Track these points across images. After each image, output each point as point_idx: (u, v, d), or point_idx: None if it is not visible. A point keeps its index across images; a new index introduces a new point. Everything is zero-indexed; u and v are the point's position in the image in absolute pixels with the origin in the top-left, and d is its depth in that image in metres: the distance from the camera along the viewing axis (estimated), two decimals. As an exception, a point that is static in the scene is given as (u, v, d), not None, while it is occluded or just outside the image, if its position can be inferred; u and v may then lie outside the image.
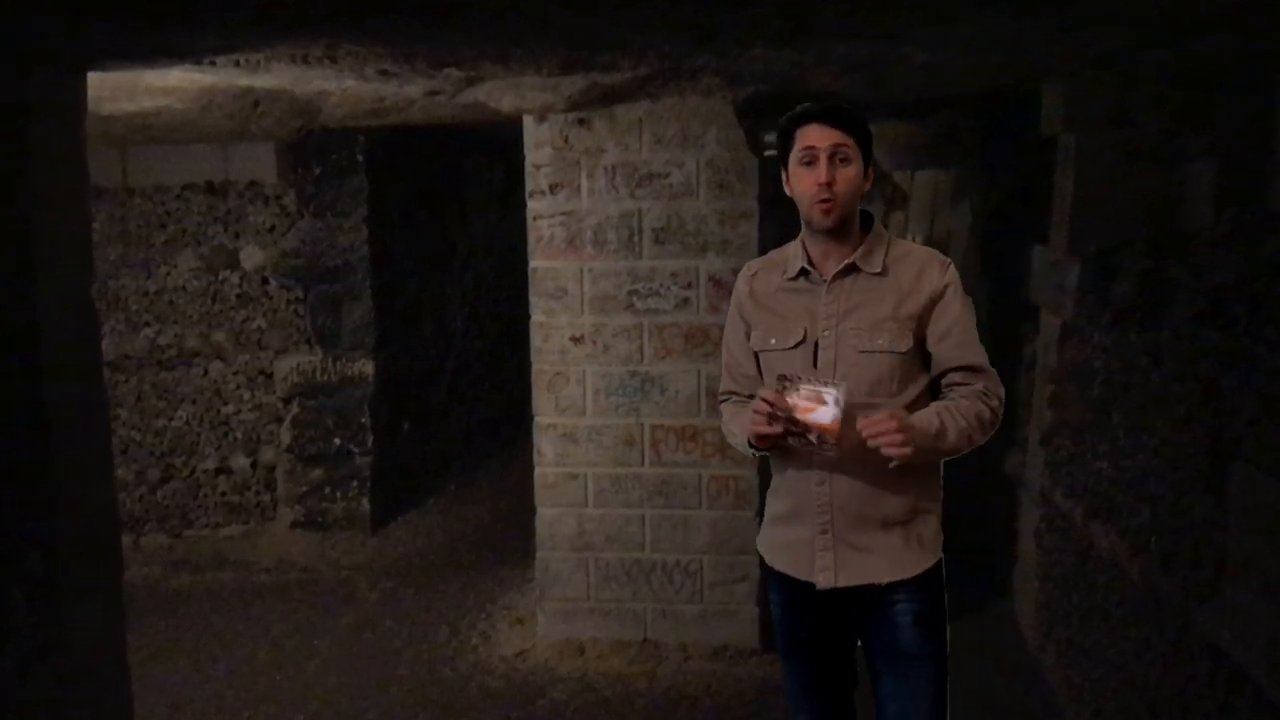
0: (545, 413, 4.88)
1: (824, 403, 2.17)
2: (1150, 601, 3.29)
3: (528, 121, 4.74)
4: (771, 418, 2.20)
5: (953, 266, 2.35)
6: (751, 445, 2.34)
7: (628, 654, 4.83)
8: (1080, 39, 3.53)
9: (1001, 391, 2.31)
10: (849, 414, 2.21)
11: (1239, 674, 2.68)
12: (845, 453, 2.24)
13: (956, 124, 6.38)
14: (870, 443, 2.15)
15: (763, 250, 4.67)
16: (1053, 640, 4.38)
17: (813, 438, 2.20)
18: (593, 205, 4.74)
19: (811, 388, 2.18)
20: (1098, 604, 3.80)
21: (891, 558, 2.30)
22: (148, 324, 6.36)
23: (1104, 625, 3.73)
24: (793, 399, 2.19)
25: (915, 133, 6.79)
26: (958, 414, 2.24)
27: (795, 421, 2.18)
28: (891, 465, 2.20)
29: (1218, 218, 3.89)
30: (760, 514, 4.72)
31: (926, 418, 2.23)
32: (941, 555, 2.37)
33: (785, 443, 2.26)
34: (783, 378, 2.23)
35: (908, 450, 2.14)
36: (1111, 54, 3.82)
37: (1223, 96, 4.10)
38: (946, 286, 2.31)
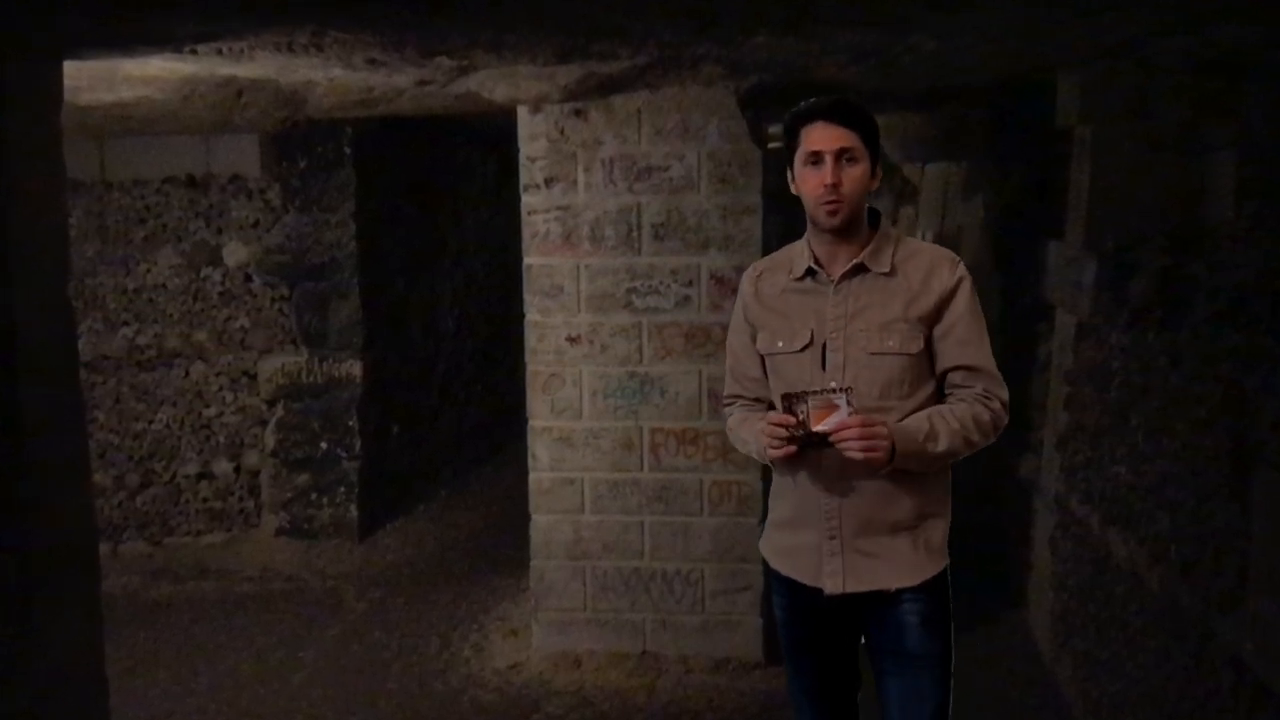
0: (540, 415, 4.87)
1: (835, 408, 2.20)
2: (1170, 612, 3.29)
3: (522, 112, 4.74)
4: (790, 439, 2.23)
5: (963, 265, 2.37)
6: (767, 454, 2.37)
7: (626, 666, 4.83)
8: (1097, 26, 3.52)
9: (1004, 394, 2.33)
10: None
11: (1262, 688, 2.68)
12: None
13: (968, 115, 6.38)
14: (840, 447, 2.19)
15: (766, 246, 4.69)
16: (1068, 652, 4.38)
17: (832, 441, 2.22)
18: (590, 200, 4.74)
19: (819, 397, 2.21)
20: (1115, 614, 3.80)
21: (900, 563, 2.34)
22: (126, 323, 6.35)
23: (1122, 636, 3.73)
24: (802, 414, 2.21)
25: (925, 124, 6.79)
26: (951, 417, 2.27)
27: (813, 435, 2.21)
28: (881, 472, 2.24)
29: (1239, 211, 3.89)
30: (763, 521, 4.75)
31: (916, 422, 2.26)
32: (948, 561, 2.40)
33: (803, 454, 2.29)
34: (787, 397, 2.25)
35: (878, 455, 2.18)
36: (1129, 42, 3.81)
37: (1245, 85, 4.11)
38: (958, 283, 2.33)
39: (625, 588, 4.88)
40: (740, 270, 4.67)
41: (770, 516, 2.52)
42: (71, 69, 3.49)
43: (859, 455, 2.18)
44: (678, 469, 4.80)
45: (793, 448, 2.24)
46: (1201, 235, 3.93)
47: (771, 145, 5.33)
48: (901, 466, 2.23)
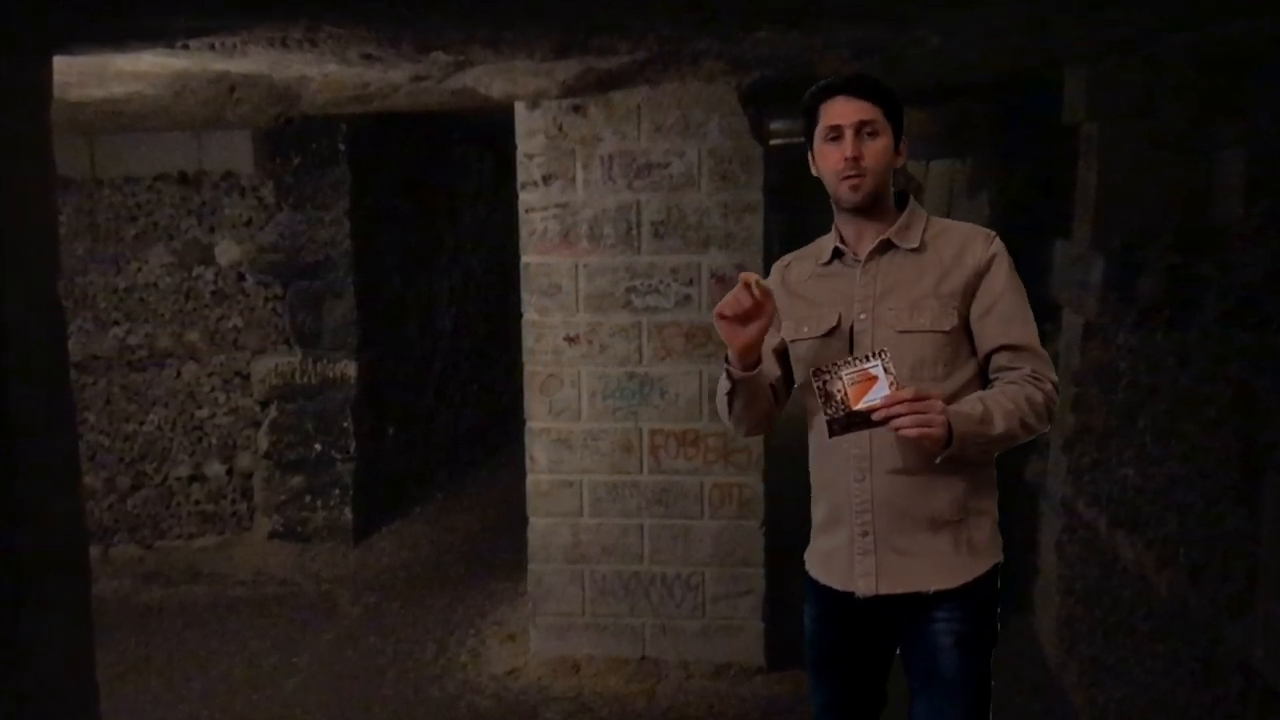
0: (538, 417, 4.87)
1: (874, 379, 2.05)
2: (1178, 616, 3.29)
3: (519, 108, 4.74)
4: (830, 423, 2.08)
5: (999, 240, 2.27)
6: (727, 367, 2.22)
7: (625, 672, 4.83)
8: (1103, 22, 3.53)
9: (1054, 376, 2.21)
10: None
11: (1271, 693, 2.68)
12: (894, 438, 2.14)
13: (972, 111, 6.38)
14: (893, 424, 2.02)
15: (767, 244, 4.70)
16: (1075, 657, 4.38)
17: (878, 419, 2.05)
18: (588, 197, 4.74)
19: (854, 369, 2.07)
20: (1123, 619, 3.80)
21: (939, 563, 2.22)
22: (117, 323, 6.35)
23: (1129, 641, 3.73)
24: (839, 392, 2.07)
25: (930, 121, 6.79)
26: (1003, 398, 2.12)
27: (855, 414, 2.06)
28: (938, 460, 2.10)
29: (1249, 210, 3.89)
30: (765, 524, 4.76)
31: (968, 404, 2.12)
32: (1000, 559, 2.30)
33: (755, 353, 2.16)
34: (817, 371, 2.10)
35: (934, 431, 2.02)
36: (1136, 38, 3.82)
37: (1253, 83, 4.10)
38: (992, 258, 2.23)
39: (625, 592, 4.88)
40: (741, 269, 4.70)
41: (813, 522, 2.40)
42: (61, 64, 3.49)
43: (913, 433, 2.02)
44: (678, 471, 4.80)
45: (747, 303, 2.08)
46: (1210, 234, 3.92)
47: (773, 142, 5.34)
48: (958, 455, 2.08)
